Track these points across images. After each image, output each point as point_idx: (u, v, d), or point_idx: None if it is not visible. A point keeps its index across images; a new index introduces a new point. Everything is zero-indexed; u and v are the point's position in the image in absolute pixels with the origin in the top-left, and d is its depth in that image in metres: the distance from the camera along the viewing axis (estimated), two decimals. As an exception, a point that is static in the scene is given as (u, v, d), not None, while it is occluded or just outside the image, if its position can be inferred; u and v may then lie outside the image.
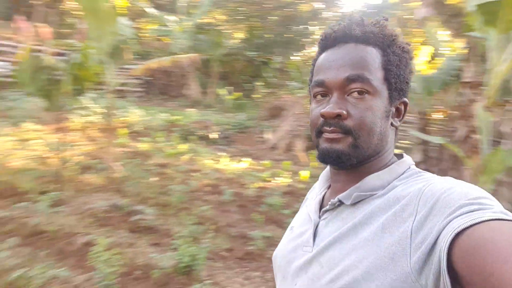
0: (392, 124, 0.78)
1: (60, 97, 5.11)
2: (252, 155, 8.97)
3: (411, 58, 0.79)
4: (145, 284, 3.36)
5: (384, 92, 0.75)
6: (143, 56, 14.27)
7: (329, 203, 0.77)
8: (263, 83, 16.45)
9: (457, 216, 0.56)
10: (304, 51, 18.95)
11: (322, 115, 0.74)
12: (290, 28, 18.36)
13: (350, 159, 0.74)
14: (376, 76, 0.74)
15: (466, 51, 5.80)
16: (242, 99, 15.08)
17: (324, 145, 0.75)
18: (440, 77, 6.17)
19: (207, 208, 5.18)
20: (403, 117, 0.80)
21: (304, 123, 10.03)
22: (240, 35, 19.59)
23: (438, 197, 0.61)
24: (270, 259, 3.84)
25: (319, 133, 0.76)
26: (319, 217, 0.79)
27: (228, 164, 7.72)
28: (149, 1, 15.33)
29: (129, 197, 5.34)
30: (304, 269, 0.75)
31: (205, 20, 17.20)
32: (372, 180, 0.74)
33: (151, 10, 14.96)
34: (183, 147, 8.30)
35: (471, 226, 0.52)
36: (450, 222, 0.56)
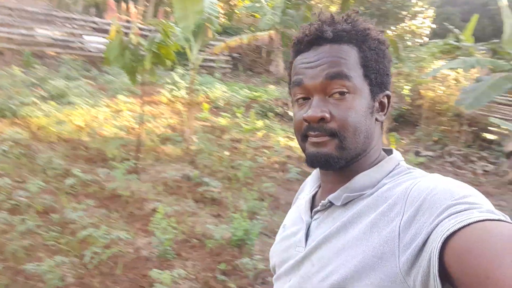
0: (376, 119, 0.76)
1: (143, 73, 5.49)
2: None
3: (387, 48, 0.78)
4: (199, 253, 3.56)
5: (365, 89, 0.74)
6: (235, 31, 14.60)
7: (320, 204, 0.78)
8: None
9: (445, 218, 0.56)
10: (403, 24, 17.58)
11: (305, 120, 0.73)
12: (387, 0, 17.14)
13: (339, 162, 0.73)
14: (356, 74, 0.73)
15: None
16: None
17: (311, 149, 0.74)
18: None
19: (271, 185, 5.24)
20: (387, 110, 0.78)
21: (392, 102, 9.44)
22: (334, 8, 18.83)
23: (424, 197, 0.61)
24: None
25: (305, 137, 0.76)
26: (311, 217, 0.80)
27: (302, 142, 7.66)
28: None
29: (200, 169, 5.64)
30: (296, 268, 0.77)
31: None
32: (361, 179, 0.74)
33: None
34: (260, 123, 8.43)
35: (461, 228, 0.52)
36: (439, 224, 0.56)
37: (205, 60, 11.32)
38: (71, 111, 6.98)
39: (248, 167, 5.74)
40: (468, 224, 0.52)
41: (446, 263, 0.52)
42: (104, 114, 7.35)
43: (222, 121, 8.46)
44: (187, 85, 10.12)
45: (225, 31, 14.21)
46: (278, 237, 0.89)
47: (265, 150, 6.86)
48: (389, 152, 0.80)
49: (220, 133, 7.71)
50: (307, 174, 4.52)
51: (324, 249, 0.72)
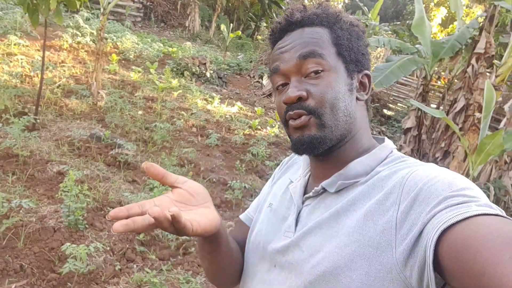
0: (358, 99, 0.76)
1: (47, 13, 4.71)
2: (245, 100, 8.73)
3: (363, 31, 0.79)
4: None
5: (340, 66, 0.74)
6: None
7: (313, 190, 0.76)
8: (268, 24, 15.71)
9: (442, 210, 0.55)
10: (316, -5, 17.91)
11: (285, 102, 0.73)
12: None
13: (323, 142, 0.72)
14: (329, 52, 0.73)
15: (483, 19, 5.42)
16: (243, 39, 14.47)
17: (295, 135, 0.74)
18: (450, 43, 5.82)
19: (191, 150, 5.05)
20: (369, 90, 0.78)
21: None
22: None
23: (421, 187, 0.60)
24: (245, 209, 3.73)
25: (286, 121, 0.75)
26: (302, 202, 0.78)
27: (219, 106, 7.49)
28: None
29: (111, 128, 5.17)
30: (282, 253, 0.74)
31: None
32: (355, 166, 0.73)
33: None
34: (175, 82, 8.00)
35: (458, 222, 0.51)
36: (435, 215, 0.55)
37: (115, 5, 10.23)
38: None
39: (164, 130, 5.44)
40: (466, 218, 0.51)
41: (441, 256, 0.52)
42: (-10, 56, 6.25)
43: (134, 75, 7.82)
44: (93, 32, 9.10)
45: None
46: (264, 216, 0.85)
47: (183, 112, 6.55)
48: (380, 141, 0.80)
49: (131, 89, 7.13)
50: (228, 141, 4.45)
51: (314, 235, 0.70)
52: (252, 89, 9.86)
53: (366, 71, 0.78)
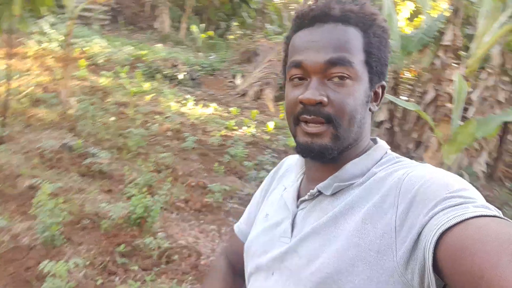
0: (370, 110, 0.75)
1: (11, 19, 4.52)
2: (219, 101, 8.67)
3: (389, 37, 0.75)
4: (93, 235, 3.20)
5: (365, 76, 0.71)
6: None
7: (308, 193, 0.75)
8: (239, 24, 15.66)
9: (439, 211, 0.55)
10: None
11: (301, 102, 0.69)
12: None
13: (332, 153, 0.70)
14: (358, 60, 0.69)
15: (449, 12, 5.57)
16: (215, 39, 14.37)
17: (304, 139, 0.71)
18: (419, 37, 5.96)
19: (167, 155, 4.96)
20: (380, 101, 0.77)
21: (277, 71, 9.69)
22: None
23: (418, 188, 0.60)
24: (227, 212, 3.66)
25: (297, 120, 0.71)
26: (297, 206, 0.77)
27: (194, 108, 7.41)
28: None
29: (83, 137, 5.02)
30: (280, 260, 0.73)
31: None
32: (351, 168, 0.72)
33: None
34: (147, 85, 7.86)
35: (456, 224, 0.51)
36: (432, 217, 0.55)
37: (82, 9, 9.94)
38: None
39: (139, 135, 5.33)
40: (464, 220, 0.51)
41: (440, 259, 0.52)
42: (-51, 67, 5.95)
43: (104, 81, 7.63)
44: (60, 37, 8.81)
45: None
46: (259, 226, 0.84)
47: (157, 116, 6.44)
48: (373, 141, 0.79)
49: (102, 95, 6.95)
50: (205, 144, 4.37)
51: (312, 241, 0.69)
52: (226, 89, 9.80)
53: (383, 82, 0.76)
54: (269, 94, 8.87)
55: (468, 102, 5.85)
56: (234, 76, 10.34)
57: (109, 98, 6.79)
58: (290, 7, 16.37)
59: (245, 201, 4.35)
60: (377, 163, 0.72)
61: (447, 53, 5.52)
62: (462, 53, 5.36)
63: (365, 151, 0.75)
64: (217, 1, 16.25)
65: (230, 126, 6.61)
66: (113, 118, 5.91)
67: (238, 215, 4.30)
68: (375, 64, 0.71)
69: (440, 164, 3.57)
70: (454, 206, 0.54)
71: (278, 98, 8.86)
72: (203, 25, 13.01)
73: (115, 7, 13.81)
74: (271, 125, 6.85)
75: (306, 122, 0.70)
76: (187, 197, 4.17)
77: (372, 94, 0.74)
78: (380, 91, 0.76)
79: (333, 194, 0.72)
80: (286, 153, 5.96)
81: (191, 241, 3.47)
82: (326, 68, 0.68)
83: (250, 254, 0.83)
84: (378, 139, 0.79)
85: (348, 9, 0.70)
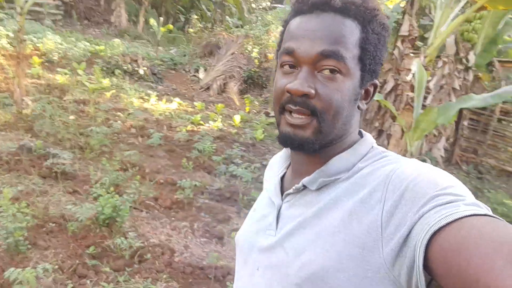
0: (359, 107, 0.73)
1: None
2: (183, 95, 8.54)
3: (388, 36, 0.72)
4: (60, 238, 3.07)
5: (357, 73, 0.68)
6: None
7: (293, 187, 0.73)
8: (199, 17, 15.44)
9: (430, 210, 0.54)
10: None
11: (288, 91, 0.67)
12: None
13: (313, 146, 0.69)
14: (351, 55, 0.67)
15: (405, 3, 5.76)
16: (174, 32, 14.09)
17: (286, 129, 0.70)
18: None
19: (132, 153, 4.84)
20: (371, 99, 0.75)
21: (241, 64, 9.67)
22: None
23: (406, 185, 0.58)
24: (199, 208, 3.64)
25: (282, 109, 0.70)
26: (282, 200, 0.76)
27: (157, 104, 7.26)
28: None
29: (42, 137, 4.80)
30: (266, 254, 0.72)
31: None
32: (336, 163, 0.71)
33: None
34: (107, 82, 7.60)
35: (448, 224, 0.50)
36: (423, 215, 0.54)
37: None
38: None
39: (101, 134, 5.16)
40: (455, 220, 0.50)
41: (431, 259, 0.51)
42: None
43: (60, 78, 7.31)
44: (8, 33, 8.32)
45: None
46: (248, 220, 0.84)
47: (119, 113, 6.25)
48: (359, 134, 0.78)
49: (60, 94, 6.66)
50: (171, 140, 4.33)
51: (298, 236, 0.68)
52: (189, 84, 9.67)
53: (375, 81, 0.74)
54: (233, 87, 8.84)
55: (427, 90, 6.11)
56: (196, 70, 10.21)
57: (67, 96, 6.51)
58: (251, 0, 16.33)
59: (215, 195, 4.33)
60: (362, 158, 0.71)
61: (405, 43, 5.72)
62: (419, 43, 5.57)
63: (351, 146, 0.73)
64: (175, -7, 15.94)
65: (196, 121, 6.54)
66: (72, 117, 5.68)
67: (209, 210, 4.26)
68: (369, 61, 0.69)
69: (404, 151, 3.71)
70: (444, 204, 0.54)
71: (243, 92, 8.86)
72: (162, 19, 12.71)
73: (68, 1, 13.21)
74: (237, 118, 6.84)
75: (291, 112, 0.68)
76: (157, 195, 4.09)
77: (363, 92, 0.72)
78: (371, 89, 0.74)
79: (318, 189, 0.71)
80: (254, 146, 5.98)
81: (164, 239, 3.42)
82: (318, 59, 0.66)
83: (239, 249, 0.82)
84: (364, 132, 0.77)
85: (350, 1, 0.67)
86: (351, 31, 0.67)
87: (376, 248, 0.58)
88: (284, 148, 0.83)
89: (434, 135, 5.43)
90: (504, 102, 6.08)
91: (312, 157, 0.73)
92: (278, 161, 0.86)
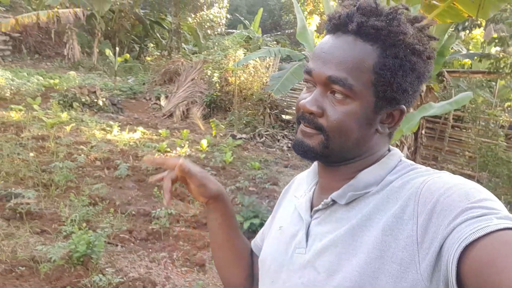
0: (377, 130, 0.71)
1: None
2: (146, 124, 8.41)
3: (423, 61, 0.69)
4: (32, 282, 2.88)
5: (370, 98, 0.68)
6: (13, 8, 12.12)
7: (322, 203, 0.73)
8: (154, 45, 15.40)
9: (461, 223, 0.53)
10: (202, 12, 18.11)
11: (300, 107, 0.72)
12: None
13: (317, 157, 0.72)
14: (362, 81, 0.66)
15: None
16: (130, 62, 13.94)
17: (298, 136, 0.73)
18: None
19: (100, 186, 4.67)
20: (396, 124, 0.73)
21: (202, 89, 9.68)
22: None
23: (437, 198, 0.58)
24: (176, 237, 3.54)
25: (298, 121, 0.74)
26: (311, 216, 0.75)
27: (120, 135, 7.09)
28: None
29: (2, 178, 4.53)
30: (297, 274, 0.71)
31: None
32: (365, 176, 0.71)
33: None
34: (65, 116, 7.35)
35: (480, 237, 0.50)
36: (454, 229, 0.53)
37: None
38: None
39: (65, 169, 4.94)
40: (488, 233, 0.50)
41: (464, 273, 0.51)
42: None
43: (15, 115, 6.99)
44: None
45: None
46: (273, 240, 0.83)
47: (82, 147, 6.04)
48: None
49: (16, 131, 6.35)
50: (139, 169, 4.25)
51: (330, 255, 0.67)
52: (151, 112, 9.54)
53: (402, 106, 0.71)
54: (197, 112, 8.82)
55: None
56: (158, 98, 10.11)
57: (25, 133, 6.22)
58: (206, 26, 16.52)
59: (191, 222, 4.24)
60: (391, 171, 0.71)
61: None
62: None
63: (378, 160, 0.73)
64: (128, 24, 15.86)
65: (163, 148, 6.44)
66: (32, 154, 5.42)
67: (187, 238, 4.16)
68: (384, 88, 0.67)
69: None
70: (476, 217, 0.53)
71: (206, 116, 8.85)
72: (117, 48, 12.57)
73: (16, 36, 12.77)
74: (204, 143, 6.80)
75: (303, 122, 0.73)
76: (130, 227, 3.95)
77: (384, 116, 0.71)
78: (397, 114, 0.72)
79: (348, 203, 0.70)
80: (224, 169, 5.95)
81: (143, 272, 3.29)
82: (328, 83, 0.68)
83: (266, 268, 0.81)
84: (392, 147, 0.77)
85: (369, 25, 0.66)
86: (365, 56, 0.66)
87: (413, 264, 0.58)
88: (312, 166, 0.84)
89: (397, 145, 5.66)
90: (455, 110, 6.47)
91: (339, 171, 0.74)
92: (306, 178, 0.86)
